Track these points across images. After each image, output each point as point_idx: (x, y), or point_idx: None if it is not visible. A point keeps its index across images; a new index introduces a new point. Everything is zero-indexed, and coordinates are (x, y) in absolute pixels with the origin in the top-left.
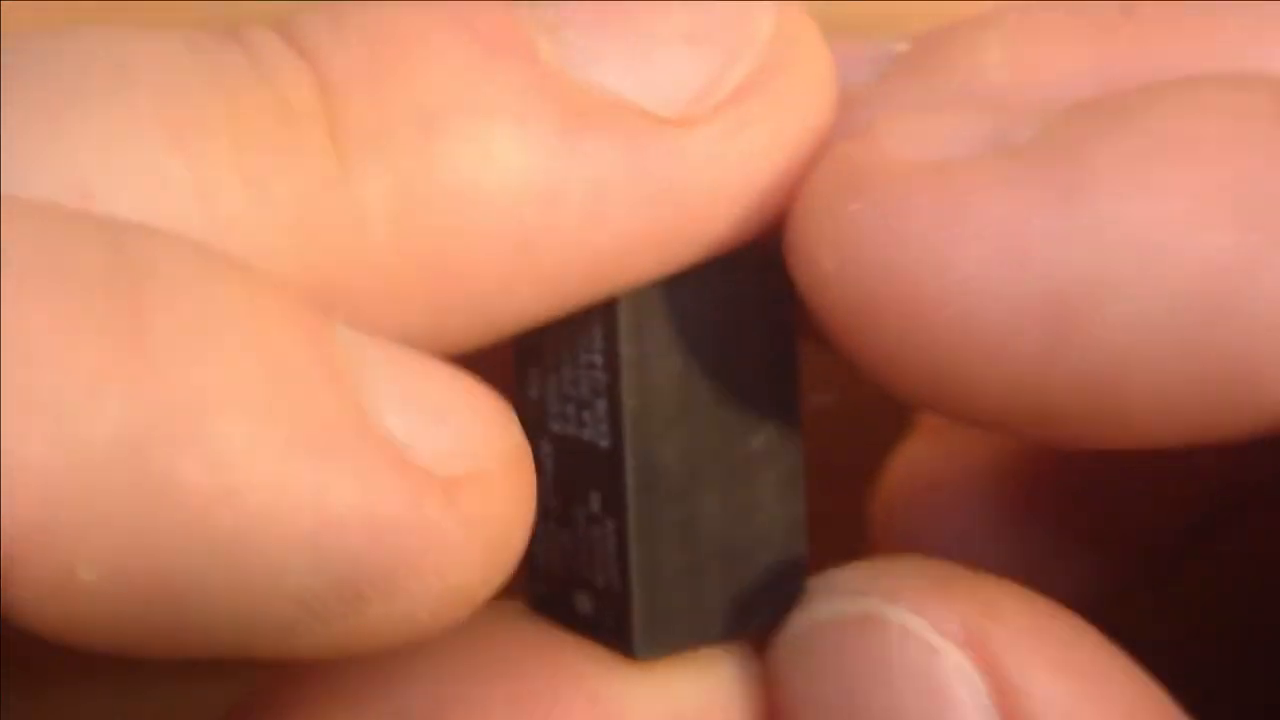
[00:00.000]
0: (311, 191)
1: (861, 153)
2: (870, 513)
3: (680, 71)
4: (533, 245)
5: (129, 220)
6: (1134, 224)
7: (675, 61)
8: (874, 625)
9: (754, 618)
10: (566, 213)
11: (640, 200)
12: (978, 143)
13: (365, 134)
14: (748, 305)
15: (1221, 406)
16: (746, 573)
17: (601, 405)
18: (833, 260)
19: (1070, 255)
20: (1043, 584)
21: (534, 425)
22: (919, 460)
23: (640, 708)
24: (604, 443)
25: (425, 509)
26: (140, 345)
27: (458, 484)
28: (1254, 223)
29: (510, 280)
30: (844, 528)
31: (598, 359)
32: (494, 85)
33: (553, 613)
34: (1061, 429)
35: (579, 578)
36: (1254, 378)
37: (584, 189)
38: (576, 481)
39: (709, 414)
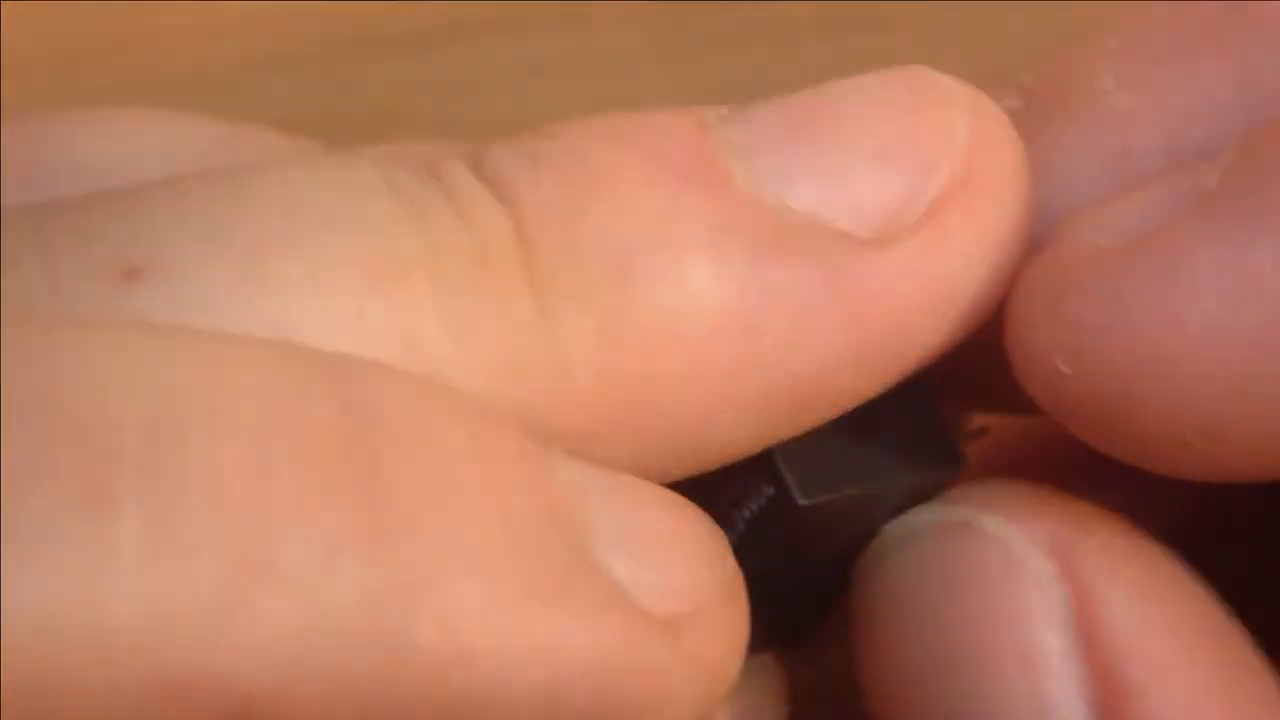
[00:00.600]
0: (512, 336)
1: (1061, 255)
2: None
3: (877, 189)
4: (734, 376)
5: (347, 356)
6: None
7: (871, 179)
8: (967, 531)
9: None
10: (767, 341)
11: (841, 323)
12: (1168, 204)
13: (563, 277)
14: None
15: None
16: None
17: (734, 536)
18: (1068, 364)
19: None
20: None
21: None
22: None
23: None
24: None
25: (651, 653)
26: (376, 505)
27: (679, 623)
28: None
29: (713, 412)
30: None
31: (750, 510)
32: (688, 219)
33: None
34: None
35: None
36: None
37: (783, 317)
38: None
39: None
